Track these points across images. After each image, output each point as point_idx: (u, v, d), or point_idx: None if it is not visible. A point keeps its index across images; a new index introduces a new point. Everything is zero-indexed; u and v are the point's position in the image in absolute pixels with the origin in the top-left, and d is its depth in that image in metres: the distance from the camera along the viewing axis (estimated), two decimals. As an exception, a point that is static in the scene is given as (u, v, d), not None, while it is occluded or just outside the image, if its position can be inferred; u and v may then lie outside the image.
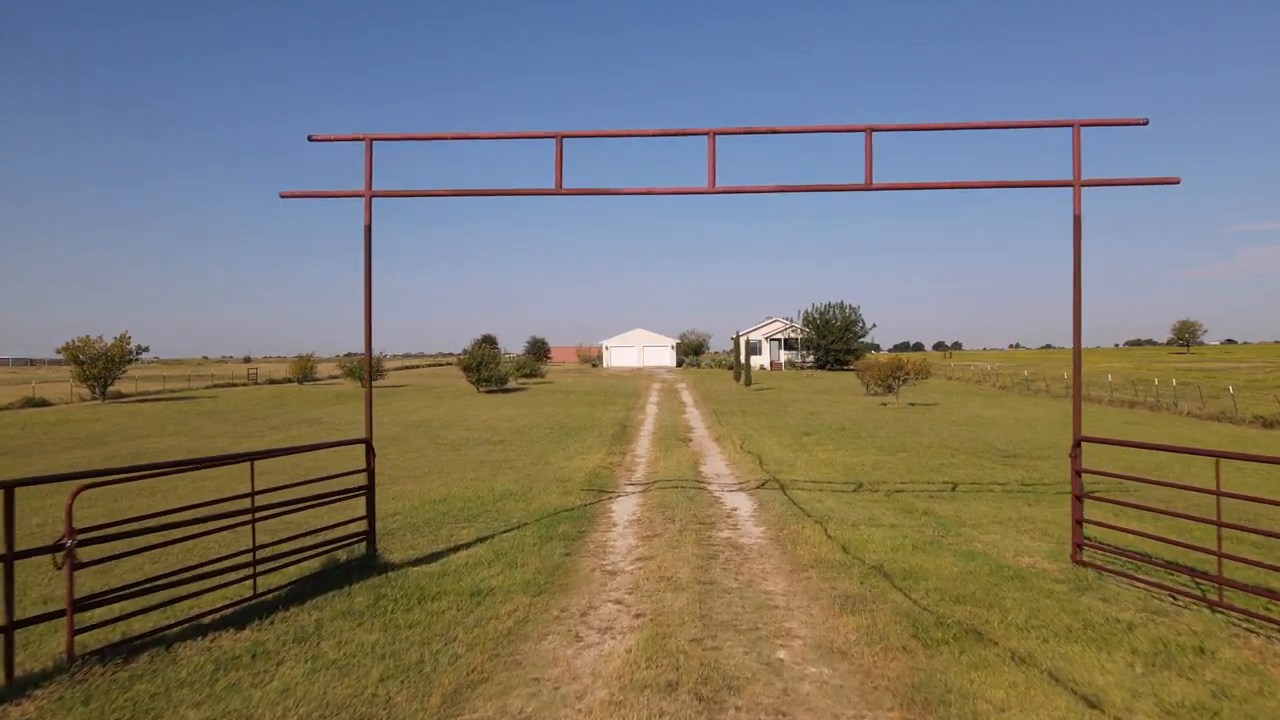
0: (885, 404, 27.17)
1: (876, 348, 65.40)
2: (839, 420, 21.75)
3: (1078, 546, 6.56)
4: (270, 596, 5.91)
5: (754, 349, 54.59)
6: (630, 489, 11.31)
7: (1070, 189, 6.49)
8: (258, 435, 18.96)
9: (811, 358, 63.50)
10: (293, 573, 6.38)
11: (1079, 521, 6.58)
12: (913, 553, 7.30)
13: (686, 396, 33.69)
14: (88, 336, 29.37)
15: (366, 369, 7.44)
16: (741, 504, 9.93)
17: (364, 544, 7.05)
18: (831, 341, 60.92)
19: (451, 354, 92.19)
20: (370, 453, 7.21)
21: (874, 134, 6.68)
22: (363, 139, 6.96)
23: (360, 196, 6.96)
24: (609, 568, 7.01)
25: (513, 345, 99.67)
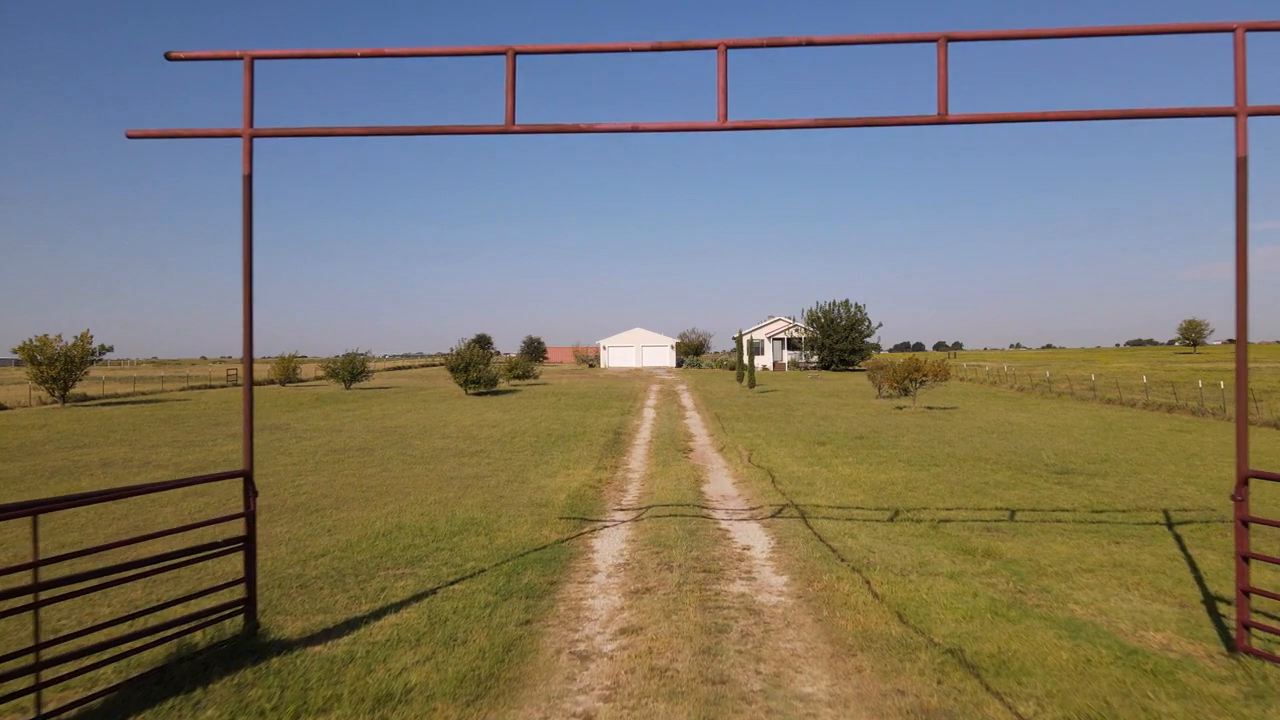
0: (901, 408, 25.24)
1: (877, 348, 63.42)
2: (854, 427, 19.84)
3: (1244, 627, 4.63)
4: (74, 713, 4.00)
5: (756, 349, 52.59)
6: (619, 516, 9.40)
7: (1231, 118, 4.58)
8: (209, 444, 17.05)
9: (816, 358, 61.56)
10: (123, 669, 4.47)
11: (1246, 592, 4.65)
12: (994, 622, 5.40)
13: (686, 399, 31.78)
14: (45, 335, 27.46)
15: (245, 369, 5.46)
16: (755, 540, 8.02)
17: (242, 617, 5.12)
18: (836, 341, 58.98)
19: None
20: (250, 492, 5.27)
21: (950, 44, 4.77)
22: (241, 56, 5.04)
23: (237, 136, 5.03)
24: (581, 647, 5.10)
25: (511, 346, 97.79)
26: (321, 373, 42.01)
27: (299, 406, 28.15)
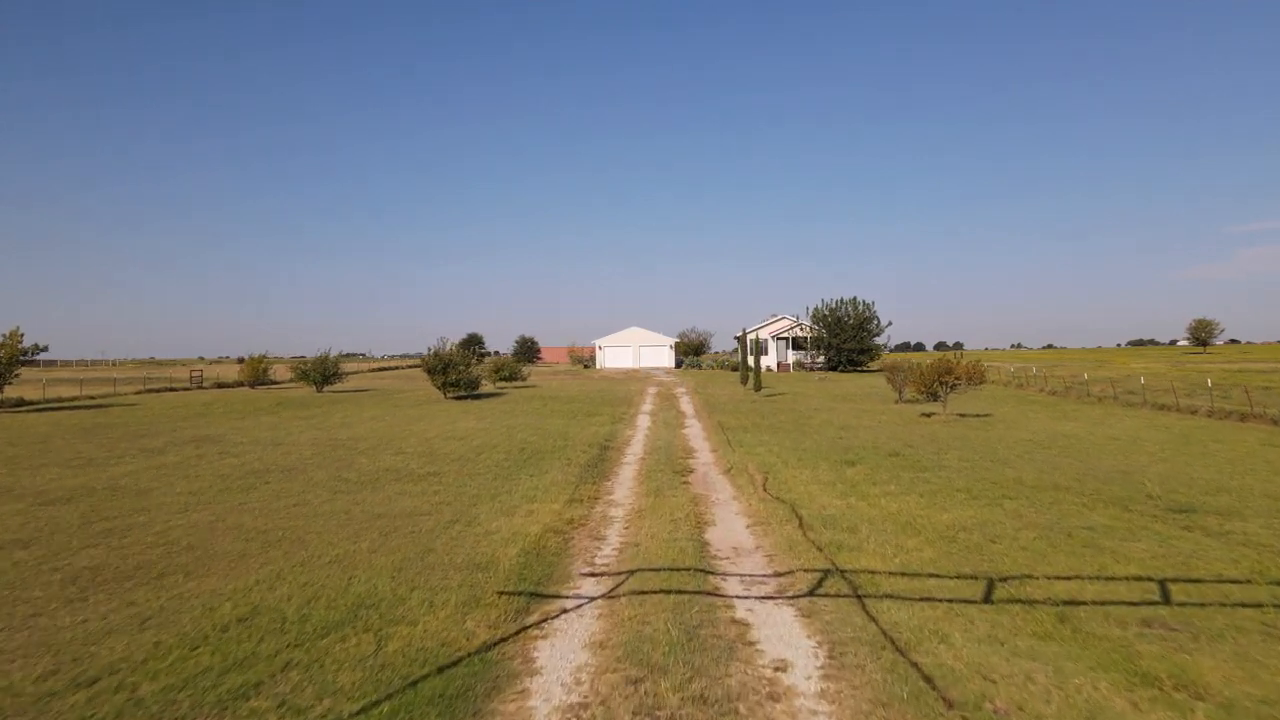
0: (929, 415, 22.33)
1: (883, 348, 60.27)
2: (882, 439, 16.92)
3: None
4: None
5: (760, 349, 49.33)
6: (587, 588, 6.50)
7: None
8: (110, 463, 14.13)
9: (822, 358, 58.58)
10: None
11: None
12: None
13: (686, 404, 28.87)
14: (-32, 334, 24.54)
15: None
16: (792, 646, 5.11)
17: None
18: (844, 341, 55.96)
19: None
20: None
21: None
22: None
23: None
24: None
25: (507, 345, 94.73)
26: (291, 374, 39.01)
27: (251, 413, 25.20)
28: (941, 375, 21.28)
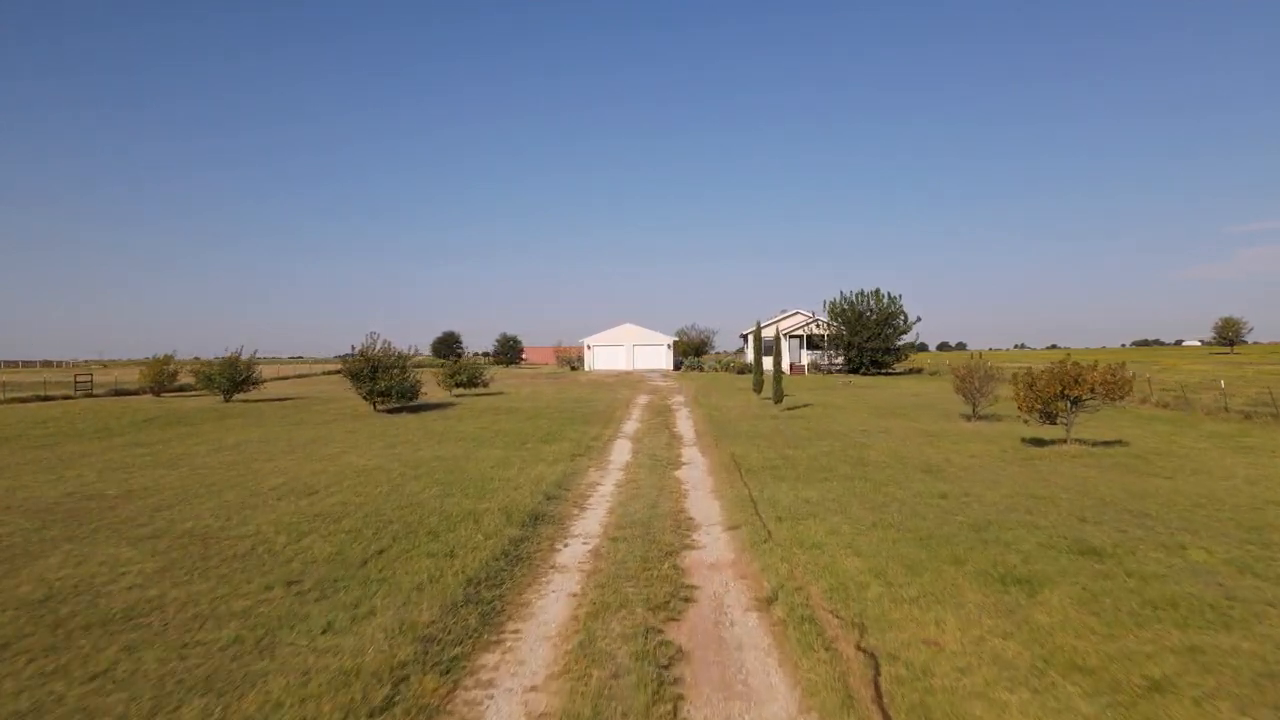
0: (1043, 443, 15.32)
1: (912, 347, 53.08)
2: (1022, 503, 9.90)
3: None
4: None
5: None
6: None
7: None
8: None
9: (840, 358, 51.43)
10: None
11: None
12: None
13: (684, 423, 21.69)
14: None
15: None
16: None
17: None
18: (866, 339, 48.80)
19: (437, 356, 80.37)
20: None
21: None
22: None
23: None
24: None
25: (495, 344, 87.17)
26: (193, 379, 31.82)
27: (70, 438, 18.06)
28: (1068, 387, 14.20)
